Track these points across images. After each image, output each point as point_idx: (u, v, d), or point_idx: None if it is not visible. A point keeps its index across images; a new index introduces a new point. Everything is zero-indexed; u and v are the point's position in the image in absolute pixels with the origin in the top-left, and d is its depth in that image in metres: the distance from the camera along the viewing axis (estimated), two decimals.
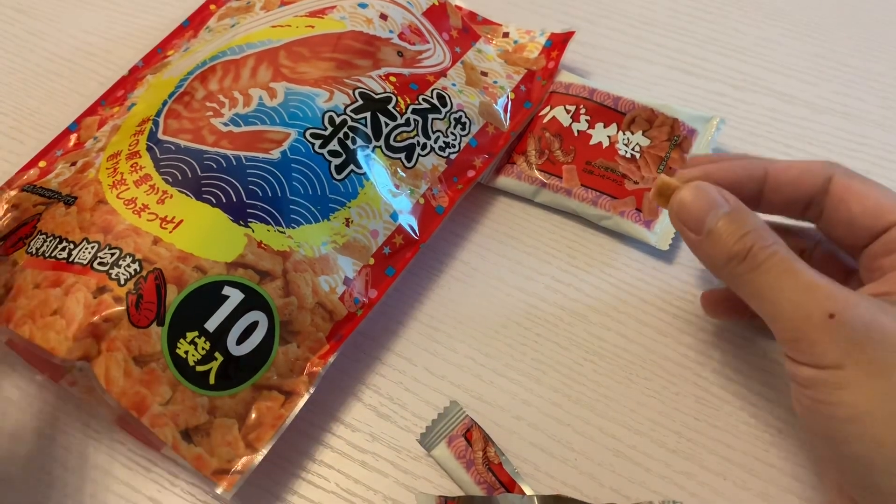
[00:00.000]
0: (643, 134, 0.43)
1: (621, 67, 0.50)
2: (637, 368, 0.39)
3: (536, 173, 0.43)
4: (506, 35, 0.49)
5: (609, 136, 0.44)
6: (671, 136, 0.43)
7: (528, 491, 0.35)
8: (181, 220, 0.35)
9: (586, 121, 0.44)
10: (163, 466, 0.37)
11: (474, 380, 0.39)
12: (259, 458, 0.34)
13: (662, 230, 0.42)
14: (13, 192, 0.39)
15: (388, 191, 0.39)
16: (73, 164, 0.39)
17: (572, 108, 0.44)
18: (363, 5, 0.43)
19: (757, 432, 0.37)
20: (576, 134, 0.44)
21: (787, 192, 0.32)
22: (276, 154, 0.37)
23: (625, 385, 0.38)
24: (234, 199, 0.36)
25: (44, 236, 0.36)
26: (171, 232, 0.34)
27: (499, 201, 0.45)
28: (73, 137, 0.41)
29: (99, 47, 0.52)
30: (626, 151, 0.43)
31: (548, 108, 0.45)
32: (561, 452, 0.37)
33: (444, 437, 0.36)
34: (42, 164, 0.40)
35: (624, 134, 0.43)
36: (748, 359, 0.38)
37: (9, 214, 0.38)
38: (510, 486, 0.35)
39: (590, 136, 0.44)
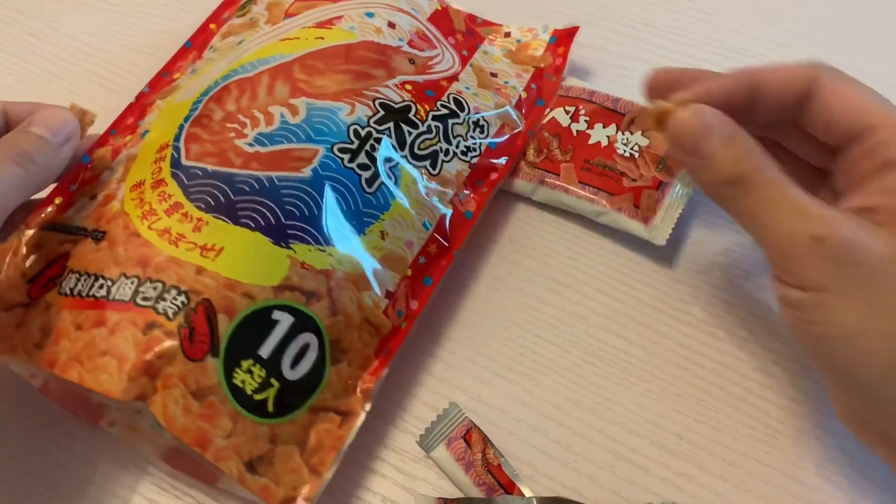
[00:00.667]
0: (642, 134, 0.44)
1: (621, 68, 0.50)
2: (637, 370, 0.39)
3: (535, 171, 0.43)
4: (507, 35, 0.49)
5: (608, 136, 0.43)
6: None
7: (527, 493, 0.34)
8: (222, 247, 0.34)
9: (585, 121, 0.44)
10: (163, 468, 0.37)
11: (474, 381, 0.39)
12: (325, 482, 0.33)
13: (660, 225, 0.41)
14: (32, 232, 0.37)
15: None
16: (93, 197, 0.38)
17: (571, 108, 0.45)
18: (370, 14, 0.43)
19: (757, 434, 0.37)
20: (574, 133, 0.44)
21: (776, 97, 0.32)
22: (307, 172, 0.36)
23: (624, 387, 0.38)
24: (273, 221, 0.35)
25: (76, 275, 0.35)
26: (213, 260, 0.34)
27: (498, 202, 0.44)
28: (87, 170, 0.39)
29: (98, 48, 0.52)
30: (625, 150, 0.43)
31: (547, 109, 0.45)
32: (560, 454, 0.37)
33: (443, 438, 0.36)
34: (58, 200, 0.38)
35: (623, 134, 0.43)
36: (748, 360, 0.39)
37: (32, 256, 0.36)
38: (510, 487, 0.34)
39: (588, 136, 0.44)
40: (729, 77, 0.33)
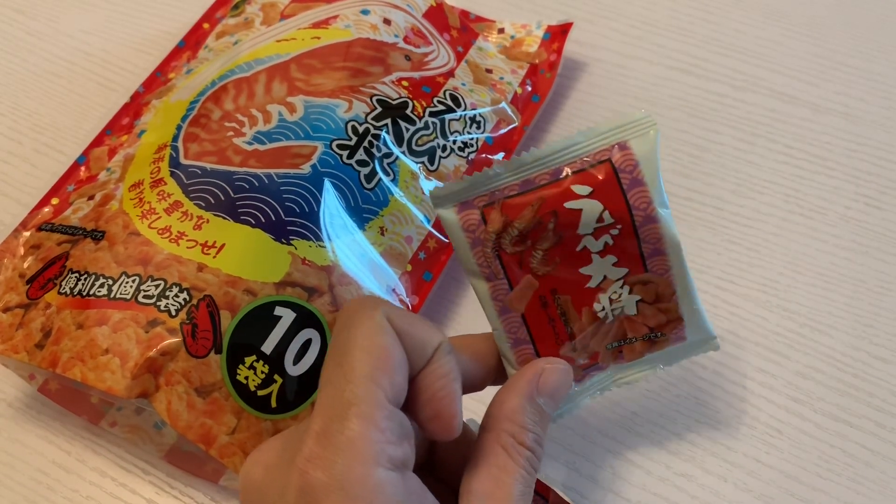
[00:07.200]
0: (634, 295, 0.31)
1: (621, 67, 0.50)
2: None
3: (489, 256, 0.30)
4: (501, 31, 0.49)
5: (605, 276, 0.30)
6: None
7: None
8: (223, 244, 0.34)
9: (605, 243, 0.30)
10: (161, 469, 0.37)
11: None
12: None
13: None
14: (29, 233, 0.37)
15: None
16: (91, 197, 0.38)
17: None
18: (365, 12, 0.43)
19: (757, 434, 0.37)
20: (578, 249, 0.30)
21: None
22: (306, 168, 0.36)
23: (624, 388, 0.37)
24: (273, 218, 0.35)
25: (76, 275, 0.35)
26: (214, 257, 0.34)
27: None
28: (83, 170, 0.39)
29: (97, 48, 0.52)
30: (606, 310, 0.31)
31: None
32: (561, 455, 0.37)
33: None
34: (55, 201, 0.38)
35: (623, 287, 0.31)
36: (747, 360, 0.39)
37: (30, 256, 0.36)
38: (544, 491, 0.33)
39: (589, 260, 0.30)
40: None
